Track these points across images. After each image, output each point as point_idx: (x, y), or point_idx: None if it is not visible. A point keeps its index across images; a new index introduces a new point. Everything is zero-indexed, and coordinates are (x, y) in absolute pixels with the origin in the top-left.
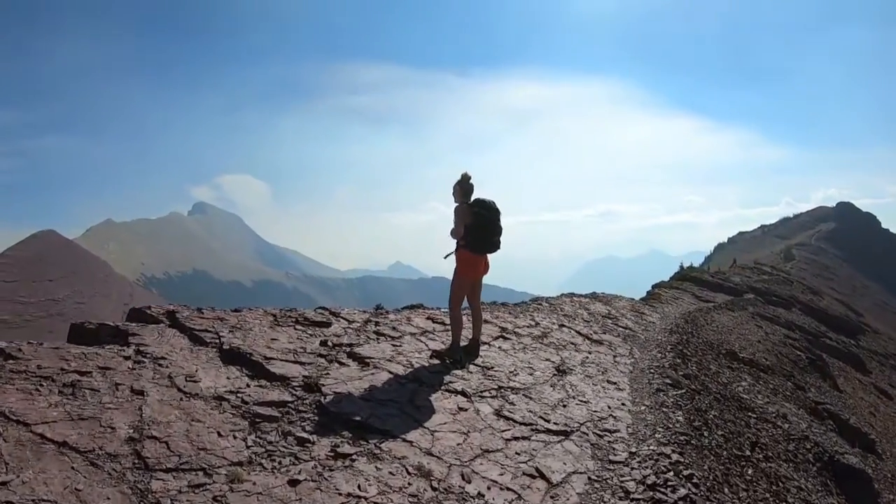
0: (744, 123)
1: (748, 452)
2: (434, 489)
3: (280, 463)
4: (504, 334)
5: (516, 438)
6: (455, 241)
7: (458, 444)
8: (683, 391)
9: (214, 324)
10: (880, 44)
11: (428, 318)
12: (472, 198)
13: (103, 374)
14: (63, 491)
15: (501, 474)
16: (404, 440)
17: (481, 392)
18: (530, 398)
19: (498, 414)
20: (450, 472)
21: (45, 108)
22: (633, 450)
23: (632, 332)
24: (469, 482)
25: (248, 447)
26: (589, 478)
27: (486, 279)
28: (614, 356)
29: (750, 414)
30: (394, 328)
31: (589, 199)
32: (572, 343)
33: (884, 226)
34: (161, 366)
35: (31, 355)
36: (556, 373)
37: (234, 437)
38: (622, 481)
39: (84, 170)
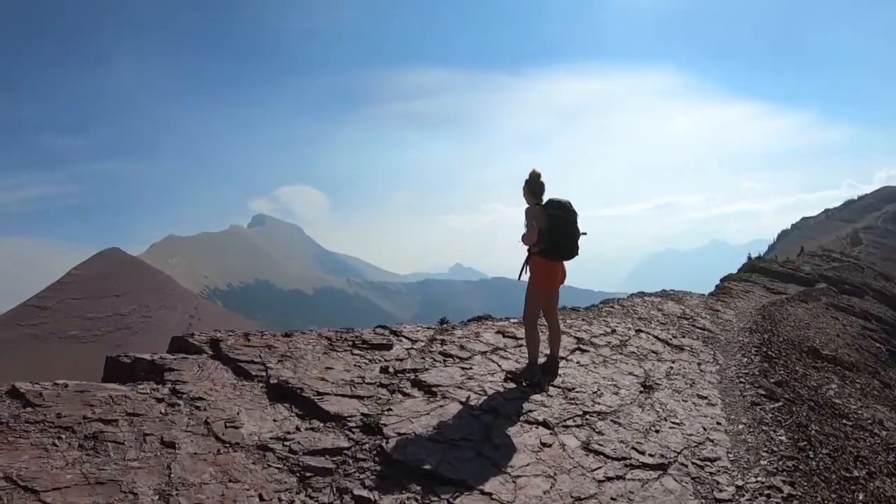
0: (800, 105)
1: (856, 473)
2: None
3: None
4: (581, 346)
5: (610, 479)
6: (527, 247)
7: (545, 493)
8: (780, 403)
9: (262, 353)
10: None
11: (498, 333)
12: (545, 198)
13: (130, 423)
14: None
15: None
16: (482, 492)
17: (565, 421)
18: (619, 424)
19: (586, 448)
20: None
21: (104, 132)
22: (740, 483)
23: (711, 333)
24: None
25: None
26: None
27: None
28: (699, 364)
29: (845, 422)
30: (461, 346)
31: (645, 192)
32: (653, 351)
33: None
34: (198, 408)
35: (53, 401)
36: (642, 389)
37: (280, 501)
38: None
39: (145, 189)
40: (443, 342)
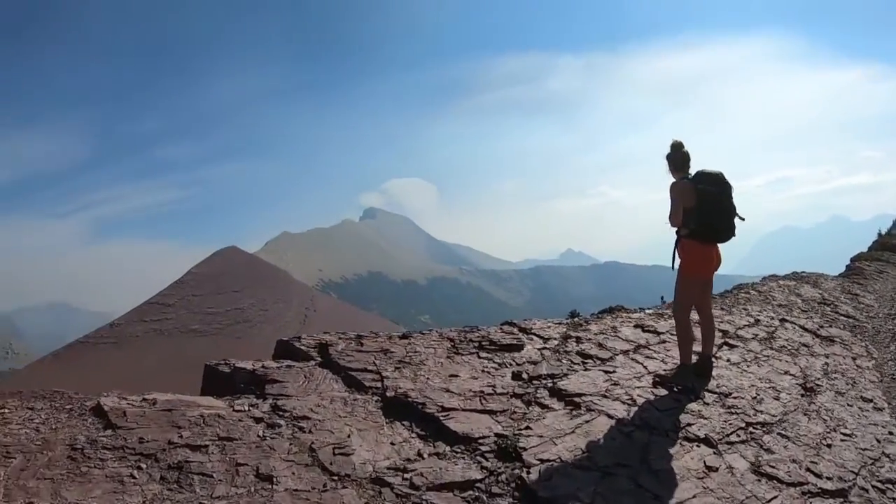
0: None
1: None
2: None
3: None
4: (727, 339)
5: None
6: (675, 229)
7: None
8: None
9: (376, 359)
10: None
11: (636, 327)
12: (691, 171)
13: (222, 450)
14: None
15: None
16: None
17: (728, 436)
18: (787, 437)
19: (757, 471)
20: None
21: (216, 138)
22: None
23: (856, 321)
24: None
25: None
26: None
27: (657, 260)
28: (853, 358)
29: None
30: (600, 345)
31: (756, 167)
32: (804, 345)
33: None
34: (302, 429)
35: (137, 421)
36: (803, 393)
37: None
38: None
39: (257, 189)
40: (578, 340)
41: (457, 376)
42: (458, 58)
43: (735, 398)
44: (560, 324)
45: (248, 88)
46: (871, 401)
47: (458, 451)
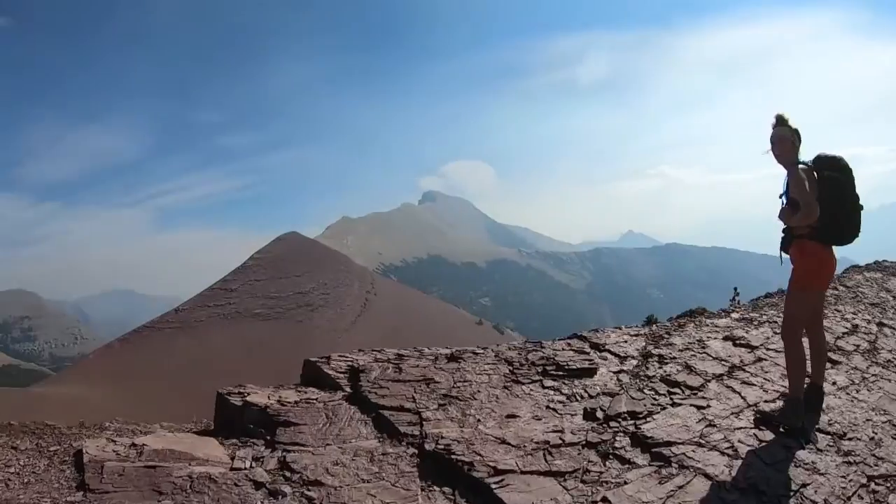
0: None
1: None
2: None
3: None
4: (828, 353)
5: None
6: (788, 226)
7: None
8: None
9: (417, 391)
10: None
11: (726, 339)
12: (802, 155)
13: None
14: None
15: None
16: None
17: (849, 499)
18: None
19: None
20: None
21: (275, 126)
22: None
23: None
24: None
25: None
26: None
27: (717, 241)
28: None
29: None
30: (686, 366)
31: (818, 145)
32: None
33: None
34: (311, 501)
35: (114, 482)
36: None
37: None
38: None
39: (317, 175)
40: (661, 359)
41: (515, 417)
42: (510, 40)
43: (851, 439)
44: (637, 335)
45: (305, 77)
46: None
47: None
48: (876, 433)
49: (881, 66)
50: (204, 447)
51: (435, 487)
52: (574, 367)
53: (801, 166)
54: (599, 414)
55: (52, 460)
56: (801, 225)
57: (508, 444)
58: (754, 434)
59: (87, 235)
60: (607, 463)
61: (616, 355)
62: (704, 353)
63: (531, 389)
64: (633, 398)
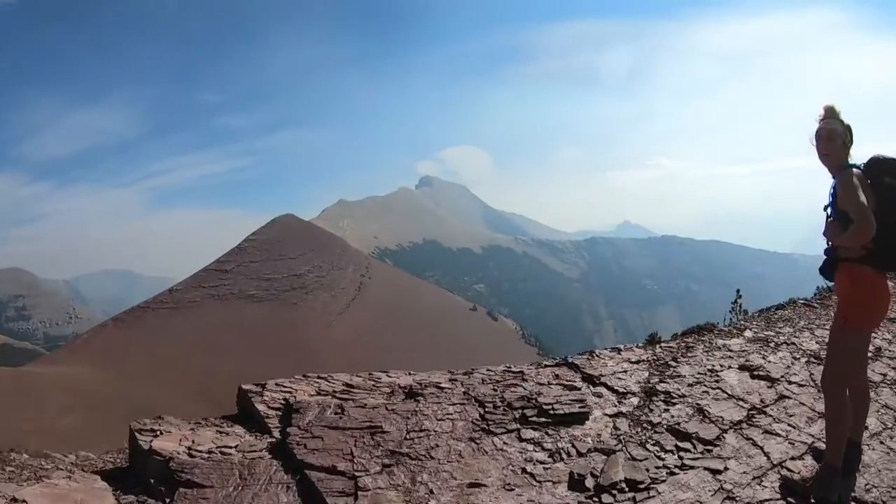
0: None
1: None
2: None
3: None
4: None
5: None
6: (833, 246)
7: None
8: None
9: (357, 445)
10: None
11: (742, 369)
12: (852, 158)
13: None
14: None
15: None
16: None
17: None
18: None
19: None
20: None
21: (272, 108)
22: None
23: None
24: None
25: None
26: None
27: (714, 235)
28: None
29: None
30: (698, 408)
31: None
32: None
33: None
34: None
35: None
36: None
37: None
38: None
39: (314, 158)
40: (668, 397)
41: (480, 486)
42: (512, 26)
43: None
44: (639, 362)
45: (303, 58)
46: None
47: None
48: None
49: (881, 64)
50: None
51: None
52: (561, 411)
53: (854, 171)
54: (589, 482)
55: None
56: (852, 245)
57: None
58: None
59: (83, 214)
60: None
61: (613, 390)
62: (718, 388)
63: (505, 443)
64: (632, 458)
